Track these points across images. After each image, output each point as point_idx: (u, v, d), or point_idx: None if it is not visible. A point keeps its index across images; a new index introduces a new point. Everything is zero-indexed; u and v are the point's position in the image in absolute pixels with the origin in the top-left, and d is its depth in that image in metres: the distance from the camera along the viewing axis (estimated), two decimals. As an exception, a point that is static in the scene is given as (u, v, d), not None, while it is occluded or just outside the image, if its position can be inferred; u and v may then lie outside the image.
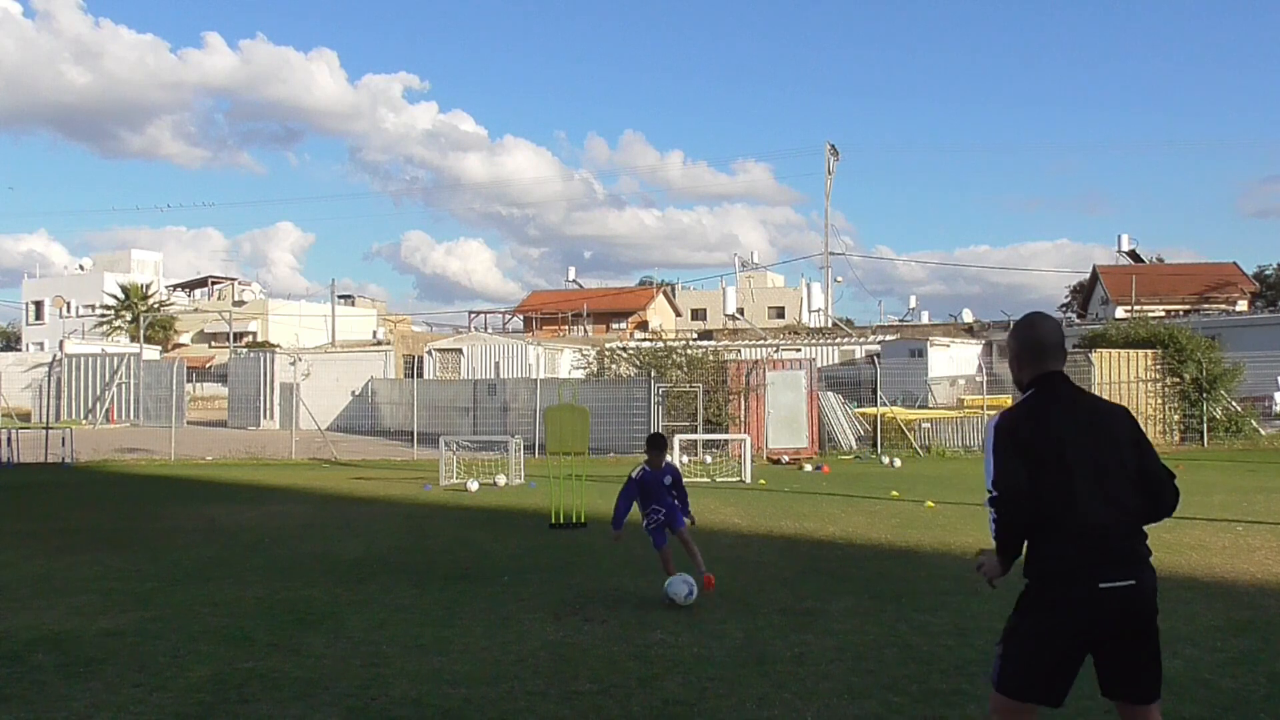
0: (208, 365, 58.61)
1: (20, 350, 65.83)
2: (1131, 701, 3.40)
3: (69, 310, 74.03)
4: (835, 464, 21.29)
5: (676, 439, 18.51)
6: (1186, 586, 8.02)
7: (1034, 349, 3.60)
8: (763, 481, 17.50)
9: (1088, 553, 3.27)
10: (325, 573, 9.05)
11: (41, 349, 61.08)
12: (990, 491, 3.42)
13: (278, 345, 54.40)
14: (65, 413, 35.85)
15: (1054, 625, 3.28)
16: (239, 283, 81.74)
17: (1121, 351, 24.64)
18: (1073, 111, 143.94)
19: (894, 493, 15.31)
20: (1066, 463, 3.33)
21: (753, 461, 18.63)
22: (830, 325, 57.50)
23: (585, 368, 30.16)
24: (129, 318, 67.77)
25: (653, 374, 24.90)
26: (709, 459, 20.53)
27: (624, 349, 29.98)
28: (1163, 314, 42.13)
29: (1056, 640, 3.28)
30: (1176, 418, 24.46)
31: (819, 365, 28.84)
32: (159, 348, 57.69)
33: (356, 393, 34.42)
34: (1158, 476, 3.43)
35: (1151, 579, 3.35)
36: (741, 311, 66.20)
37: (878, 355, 34.51)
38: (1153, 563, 3.42)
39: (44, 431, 23.25)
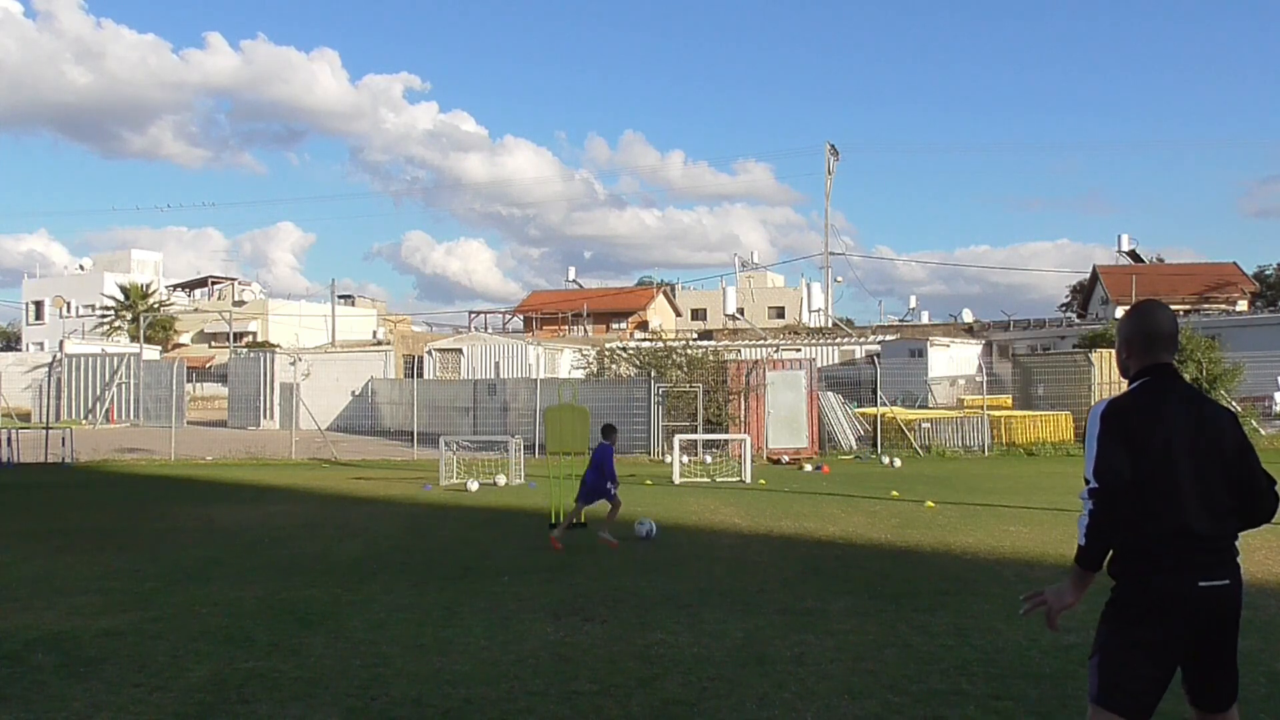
0: (208, 365, 58.61)
1: (20, 350, 65.82)
2: (1212, 709, 3.32)
3: (69, 310, 73.99)
4: (835, 464, 21.29)
5: (676, 439, 18.52)
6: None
7: (1146, 337, 3.45)
8: (763, 481, 17.51)
9: (1187, 551, 3.18)
10: (325, 573, 9.05)
11: (41, 349, 61.08)
12: (1089, 482, 3.22)
13: (278, 345, 54.40)
14: (65, 413, 35.84)
15: (1156, 628, 3.16)
16: (239, 283, 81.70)
17: (1122, 351, 24.62)
18: (1073, 111, 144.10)
19: (894, 493, 15.31)
20: (1173, 459, 3.20)
21: (753, 461, 18.63)
22: (830, 325, 57.53)
23: (585, 368, 30.17)
24: (129, 318, 67.77)
25: (653, 374, 24.92)
26: (709, 459, 20.53)
27: (624, 349, 30.00)
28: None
29: (1160, 644, 3.17)
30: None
31: (819, 365, 28.84)
32: (159, 348, 57.66)
33: (356, 393, 34.43)
34: (1258, 483, 3.32)
35: (1240, 581, 3.27)
36: (741, 311, 66.22)
37: (878, 355, 34.53)
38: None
39: (44, 431, 23.24)
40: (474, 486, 16.19)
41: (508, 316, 77.13)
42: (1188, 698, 3.35)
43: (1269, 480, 3.35)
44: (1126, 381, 3.51)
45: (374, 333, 64.42)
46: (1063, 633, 6.52)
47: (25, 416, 33.33)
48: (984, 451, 23.82)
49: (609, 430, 11.36)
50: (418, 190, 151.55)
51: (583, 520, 11.80)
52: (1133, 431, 3.23)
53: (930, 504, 13.82)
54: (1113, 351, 25.34)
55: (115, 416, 36.69)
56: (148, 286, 73.21)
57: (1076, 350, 29.30)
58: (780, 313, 72.46)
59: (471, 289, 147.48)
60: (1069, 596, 3.31)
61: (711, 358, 26.31)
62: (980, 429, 24.31)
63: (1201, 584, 3.16)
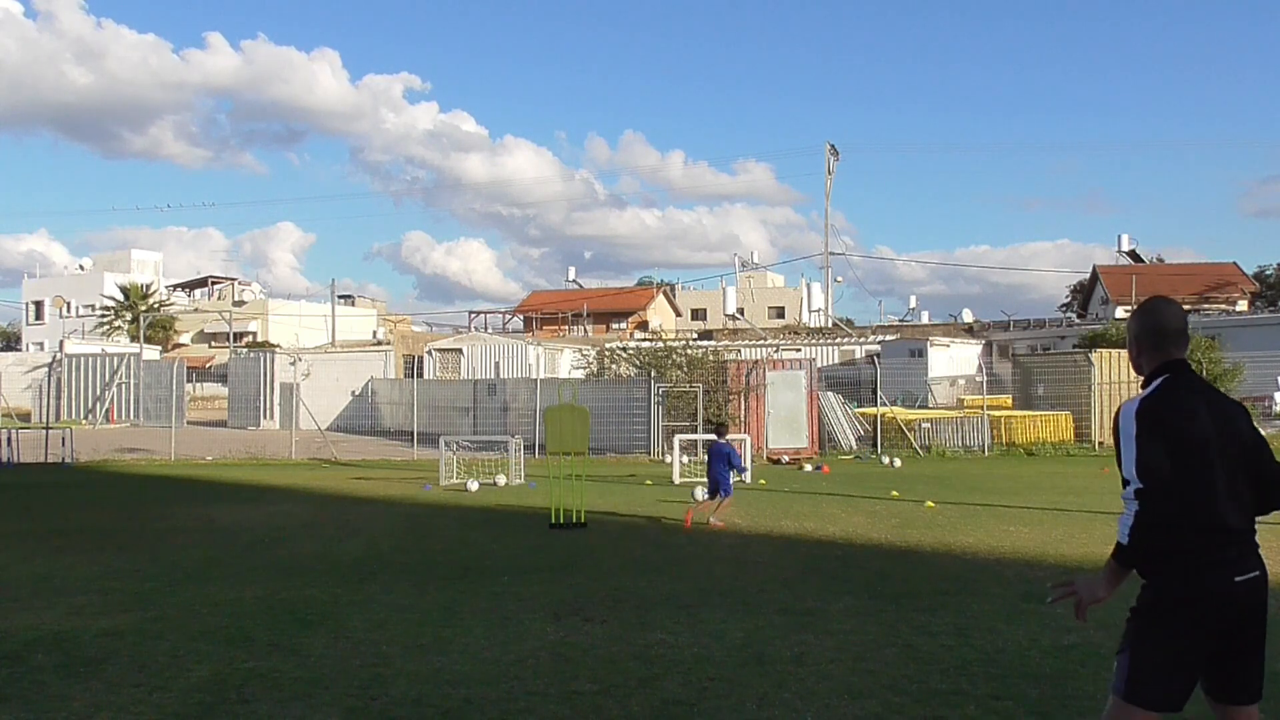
0: (208, 365, 58.61)
1: (20, 350, 65.83)
2: (1239, 702, 3.30)
3: (69, 310, 74.01)
4: (835, 464, 21.29)
5: (676, 439, 18.51)
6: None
7: (1157, 334, 3.43)
8: (763, 481, 17.49)
9: (1223, 547, 3.17)
10: (325, 573, 9.05)
11: (41, 349, 61.08)
12: (1132, 482, 3.18)
13: (278, 345, 54.39)
14: (65, 413, 35.84)
15: (1191, 624, 3.16)
16: (239, 283, 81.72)
17: (1121, 351, 24.62)
18: (1073, 111, 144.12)
19: (894, 493, 15.30)
20: (1208, 455, 3.20)
21: (753, 461, 18.62)
22: (830, 325, 57.54)
23: (585, 368, 30.17)
24: (129, 318, 67.78)
25: (653, 374, 24.91)
26: (709, 459, 20.51)
27: (624, 349, 30.01)
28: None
29: (1194, 640, 3.17)
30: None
31: (819, 365, 28.84)
32: (159, 348, 57.67)
33: (356, 393, 34.43)
34: (1274, 473, 3.34)
35: (1266, 571, 3.28)
36: (741, 311, 66.23)
37: (878, 355, 34.53)
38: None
39: (44, 431, 23.24)
40: (474, 486, 16.19)
41: (508, 316, 77.19)
42: (1211, 694, 3.33)
43: None
44: (1141, 379, 3.51)
45: (374, 333, 64.44)
46: (1062, 633, 6.54)
47: (25, 416, 33.33)
48: (984, 451, 23.82)
49: (723, 428, 13.26)
50: (418, 190, 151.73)
51: (583, 520, 11.81)
52: (1169, 429, 3.21)
53: (930, 504, 13.82)
54: (1113, 351, 25.49)
55: (115, 416, 36.69)
56: (148, 286, 73.23)
57: (1076, 350, 29.29)
58: (780, 313, 72.48)
59: (471, 289, 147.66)
60: (1101, 590, 3.31)
61: (711, 358, 26.31)
62: (980, 429, 24.30)
63: (1237, 579, 3.18)
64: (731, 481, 12.26)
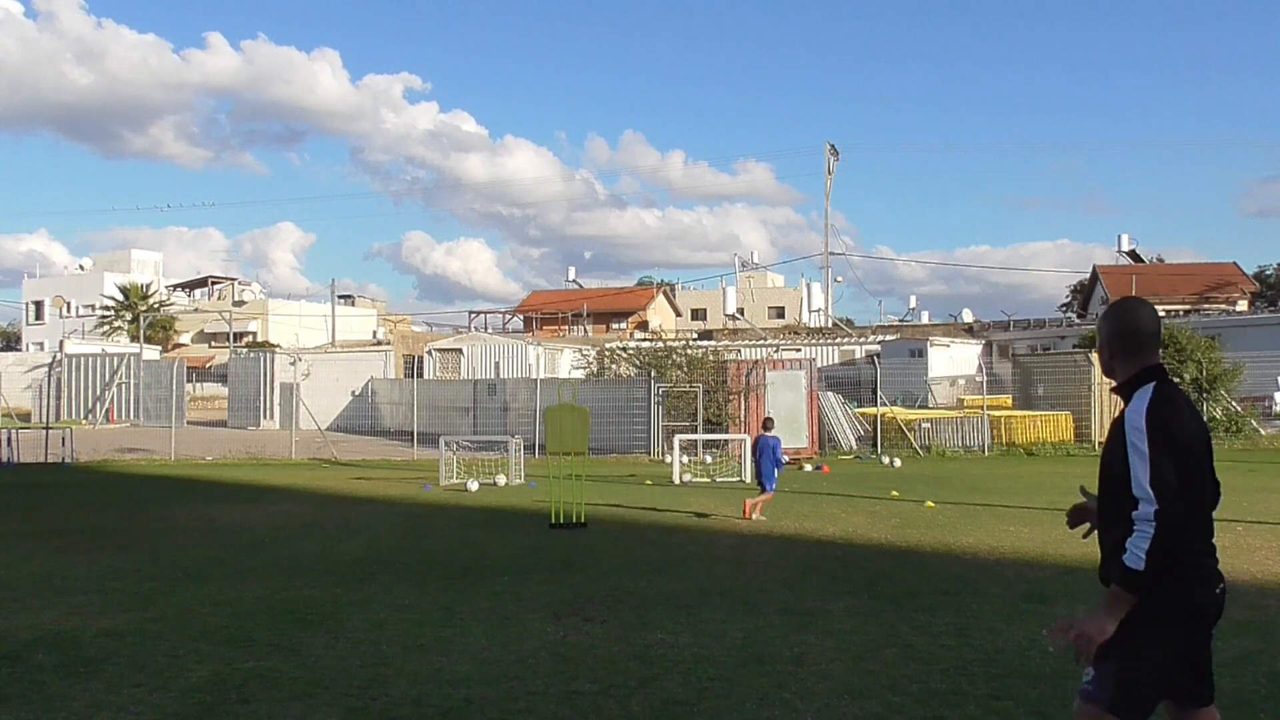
0: (208, 365, 58.61)
1: (20, 350, 65.84)
2: (1206, 704, 3.30)
3: (69, 310, 74.02)
4: (835, 464, 21.28)
5: (676, 439, 18.51)
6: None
7: (1131, 338, 3.28)
8: (763, 481, 17.48)
9: (1209, 558, 3.15)
10: (325, 573, 9.05)
11: (41, 349, 61.09)
12: (1146, 502, 3.00)
13: (278, 345, 54.40)
14: (65, 413, 35.85)
15: (1180, 635, 3.12)
16: (239, 283, 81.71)
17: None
18: (1073, 111, 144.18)
19: (894, 493, 15.30)
20: (1203, 464, 3.15)
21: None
22: (830, 325, 57.54)
23: (585, 368, 30.17)
24: (129, 318, 67.78)
25: (653, 374, 24.91)
26: (709, 459, 20.53)
27: (624, 349, 30.02)
28: (1163, 314, 42.06)
29: (1181, 650, 3.13)
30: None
31: (819, 365, 28.84)
32: (159, 348, 57.67)
33: (356, 393, 34.43)
34: (1215, 477, 3.33)
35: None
36: (741, 311, 66.23)
37: (878, 355, 34.53)
38: None
39: (44, 431, 23.24)
40: (474, 486, 16.19)
41: (508, 316, 77.21)
42: (1176, 700, 3.29)
43: None
44: (1113, 383, 3.38)
45: (374, 333, 64.45)
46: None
47: (25, 416, 33.32)
48: (984, 451, 23.81)
49: (769, 421, 13.53)
50: (418, 190, 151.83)
51: (583, 520, 11.82)
52: (1176, 438, 3.10)
53: (930, 504, 13.82)
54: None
55: (115, 416, 36.69)
56: (148, 286, 73.22)
57: (1076, 350, 29.29)
58: (780, 313, 72.47)
59: (471, 289, 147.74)
60: (1110, 626, 3.11)
61: (711, 358, 26.32)
62: (980, 429, 24.30)
63: (1217, 590, 3.17)
64: (775, 478, 12.60)
